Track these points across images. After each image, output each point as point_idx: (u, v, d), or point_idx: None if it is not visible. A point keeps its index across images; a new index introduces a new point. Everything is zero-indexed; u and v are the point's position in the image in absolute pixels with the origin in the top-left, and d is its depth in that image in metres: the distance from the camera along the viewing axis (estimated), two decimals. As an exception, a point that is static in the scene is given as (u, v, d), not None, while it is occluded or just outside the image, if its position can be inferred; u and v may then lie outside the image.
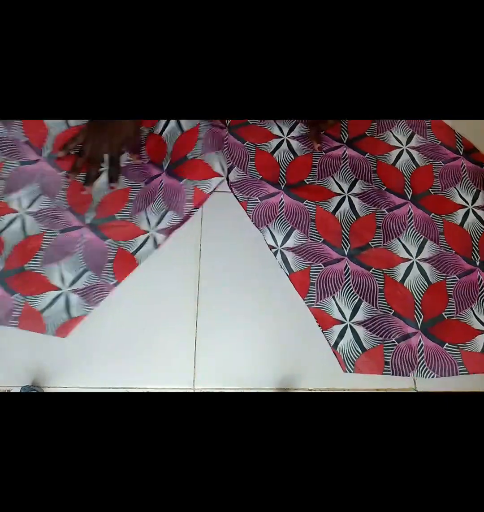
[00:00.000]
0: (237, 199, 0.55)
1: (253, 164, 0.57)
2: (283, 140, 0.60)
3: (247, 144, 0.59)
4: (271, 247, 0.53)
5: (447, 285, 0.50)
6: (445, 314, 0.49)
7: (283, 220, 0.54)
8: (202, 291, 0.51)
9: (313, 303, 0.50)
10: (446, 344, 0.48)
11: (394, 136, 0.60)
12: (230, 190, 0.56)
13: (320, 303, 0.50)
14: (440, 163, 0.59)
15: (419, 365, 0.47)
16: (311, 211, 0.55)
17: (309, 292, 0.51)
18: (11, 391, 0.45)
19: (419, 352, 0.48)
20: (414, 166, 0.58)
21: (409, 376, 0.47)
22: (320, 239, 0.53)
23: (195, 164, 0.55)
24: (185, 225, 0.53)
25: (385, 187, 0.56)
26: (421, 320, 0.48)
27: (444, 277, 0.50)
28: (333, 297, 0.50)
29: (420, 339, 0.48)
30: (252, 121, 0.60)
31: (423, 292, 0.49)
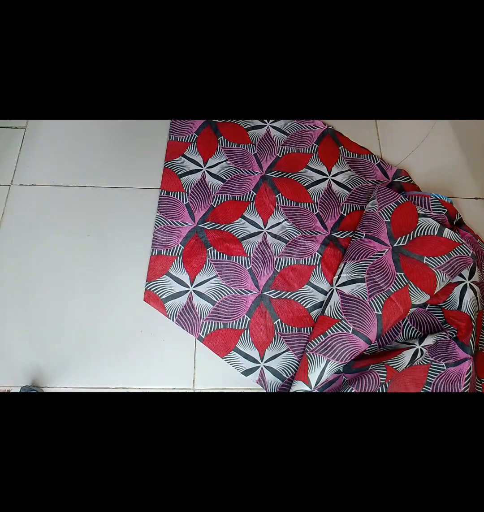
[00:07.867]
0: None
1: None
2: None
3: None
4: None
5: None
6: None
7: None
8: (202, 291, 0.51)
9: (309, 349, 0.46)
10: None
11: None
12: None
13: (313, 354, 0.46)
14: None
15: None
16: None
17: (318, 338, 0.47)
18: (11, 391, 0.45)
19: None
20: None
21: None
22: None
23: None
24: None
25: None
26: None
27: None
28: (328, 360, 0.45)
29: None
30: None
31: None
